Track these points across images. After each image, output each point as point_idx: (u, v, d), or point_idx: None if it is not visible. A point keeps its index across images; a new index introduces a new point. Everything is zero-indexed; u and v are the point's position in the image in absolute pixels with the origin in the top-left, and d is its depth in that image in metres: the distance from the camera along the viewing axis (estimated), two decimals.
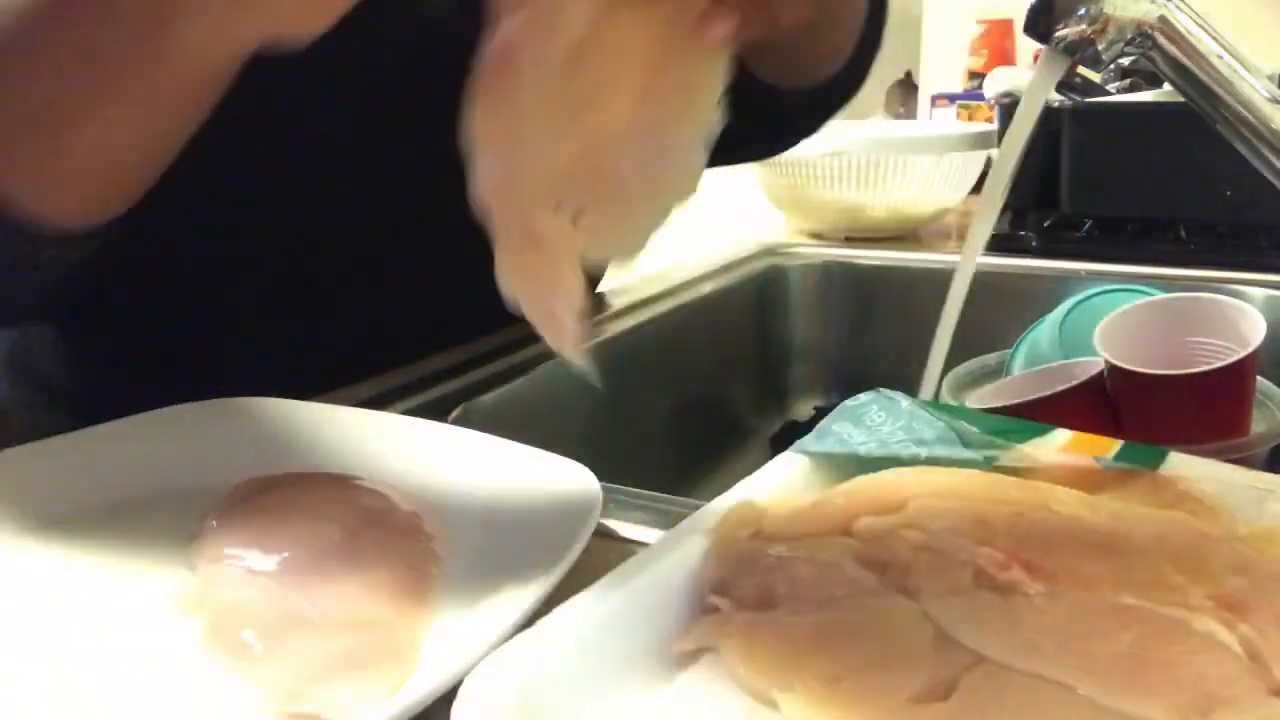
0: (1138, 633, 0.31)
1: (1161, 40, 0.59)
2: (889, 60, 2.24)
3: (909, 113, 2.06)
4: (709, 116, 0.31)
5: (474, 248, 0.42)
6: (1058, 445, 0.42)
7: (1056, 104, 1.12)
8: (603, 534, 0.45)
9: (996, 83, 1.46)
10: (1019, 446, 0.42)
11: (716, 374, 1.00)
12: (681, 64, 0.31)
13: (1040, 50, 0.62)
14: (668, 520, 0.44)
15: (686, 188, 0.32)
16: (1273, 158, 0.59)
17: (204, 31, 0.39)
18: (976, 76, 1.93)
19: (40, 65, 0.41)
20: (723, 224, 1.02)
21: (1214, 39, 0.59)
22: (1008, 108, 1.30)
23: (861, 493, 0.39)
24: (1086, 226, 1.12)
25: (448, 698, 0.29)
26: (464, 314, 0.72)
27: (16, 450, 0.48)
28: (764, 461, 0.43)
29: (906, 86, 2.07)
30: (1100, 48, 0.59)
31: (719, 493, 0.39)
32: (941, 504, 0.37)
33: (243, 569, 0.41)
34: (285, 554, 0.41)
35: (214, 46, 0.40)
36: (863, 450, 0.42)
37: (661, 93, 0.31)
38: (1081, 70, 1.19)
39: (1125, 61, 1.32)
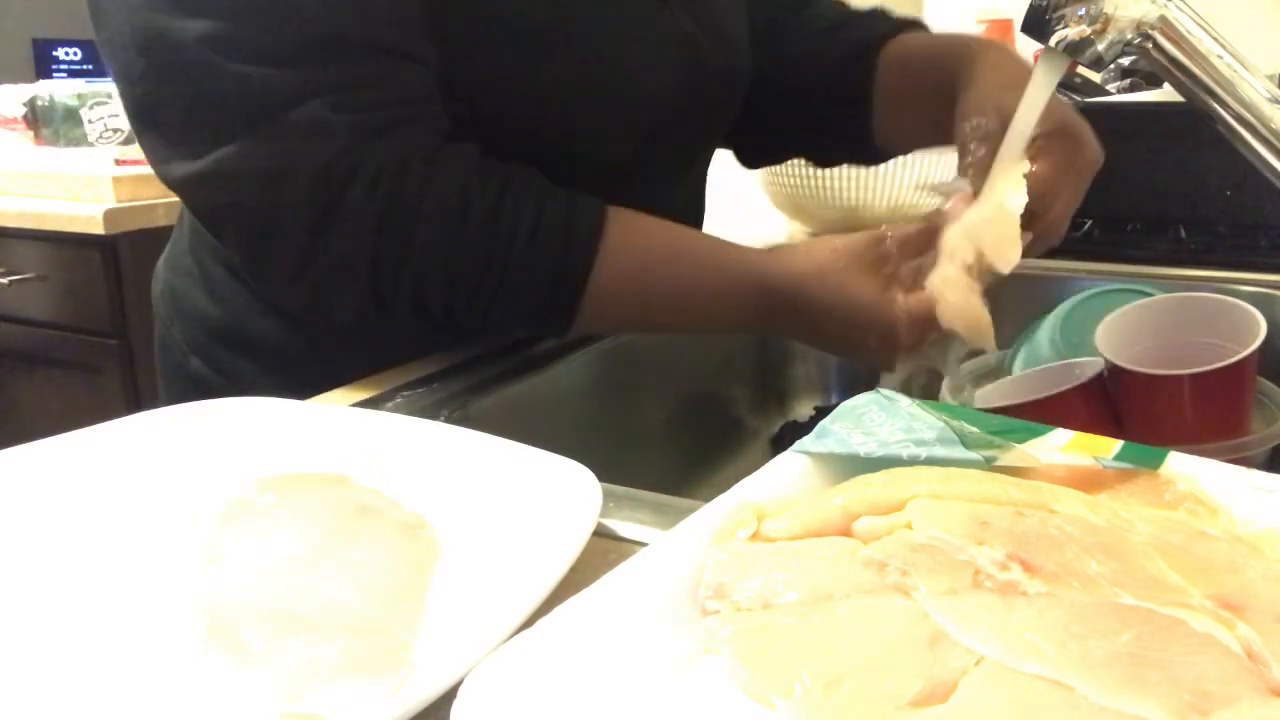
0: (1137, 633, 0.31)
1: (1161, 40, 0.59)
2: None
3: None
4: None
5: None
6: (1058, 445, 0.42)
7: None
8: (603, 534, 0.45)
9: None
10: (1019, 446, 0.42)
11: (716, 374, 1.00)
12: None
13: (1040, 50, 0.61)
14: (668, 520, 0.44)
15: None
16: (1273, 158, 0.59)
17: None
18: None
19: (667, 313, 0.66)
20: (723, 224, 1.03)
21: (1214, 39, 0.59)
22: None
23: (861, 493, 0.39)
24: (1086, 226, 1.12)
25: (448, 698, 0.29)
26: None
27: (16, 450, 0.48)
28: (764, 461, 0.43)
29: None
30: (1100, 48, 0.59)
31: (719, 493, 0.39)
32: (941, 504, 0.37)
33: (243, 569, 0.41)
34: (285, 554, 0.41)
35: None
36: (862, 450, 0.42)
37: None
38: (1081, 70, 1.19)
39: (1125, 61, 1.32)
